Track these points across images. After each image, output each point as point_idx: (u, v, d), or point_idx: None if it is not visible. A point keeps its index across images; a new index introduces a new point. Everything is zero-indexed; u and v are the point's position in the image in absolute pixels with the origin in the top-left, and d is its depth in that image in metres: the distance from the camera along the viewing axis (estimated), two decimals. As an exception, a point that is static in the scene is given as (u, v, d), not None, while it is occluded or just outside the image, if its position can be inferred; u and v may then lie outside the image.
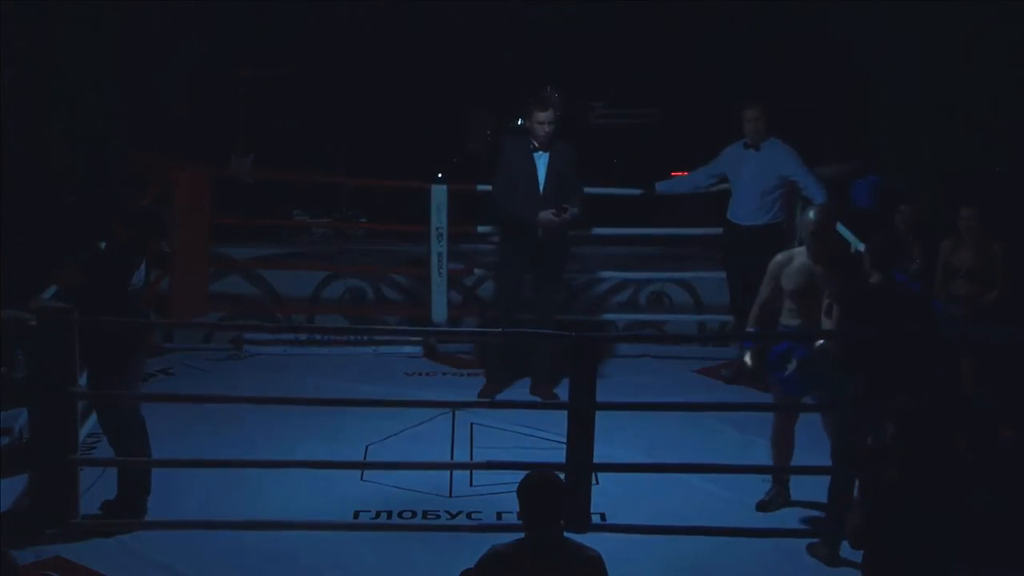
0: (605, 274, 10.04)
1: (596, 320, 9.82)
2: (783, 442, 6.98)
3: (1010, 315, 8.08)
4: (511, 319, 8.69)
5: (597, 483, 6.93)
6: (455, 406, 8.14)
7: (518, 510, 4.87)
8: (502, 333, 8.04)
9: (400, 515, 7.10)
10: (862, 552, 5.26)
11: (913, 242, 8.65)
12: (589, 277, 10.00)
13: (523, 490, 4.86)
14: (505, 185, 8.55)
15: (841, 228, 8.47)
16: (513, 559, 4.79)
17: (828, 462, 6.71)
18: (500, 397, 8.65)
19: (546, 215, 8.36)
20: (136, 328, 6.90)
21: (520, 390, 8.79)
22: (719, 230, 9.37)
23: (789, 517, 6.99)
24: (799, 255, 6.94)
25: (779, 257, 7.05)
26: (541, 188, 8.48)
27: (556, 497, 4.85)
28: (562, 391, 8.29)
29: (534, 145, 8.51)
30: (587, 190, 9.46)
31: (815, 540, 6.63)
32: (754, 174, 8.90)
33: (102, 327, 6.67)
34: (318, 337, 9.68)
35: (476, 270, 9.88)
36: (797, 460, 7.03)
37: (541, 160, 8.51)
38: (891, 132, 10.10)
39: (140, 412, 6.91)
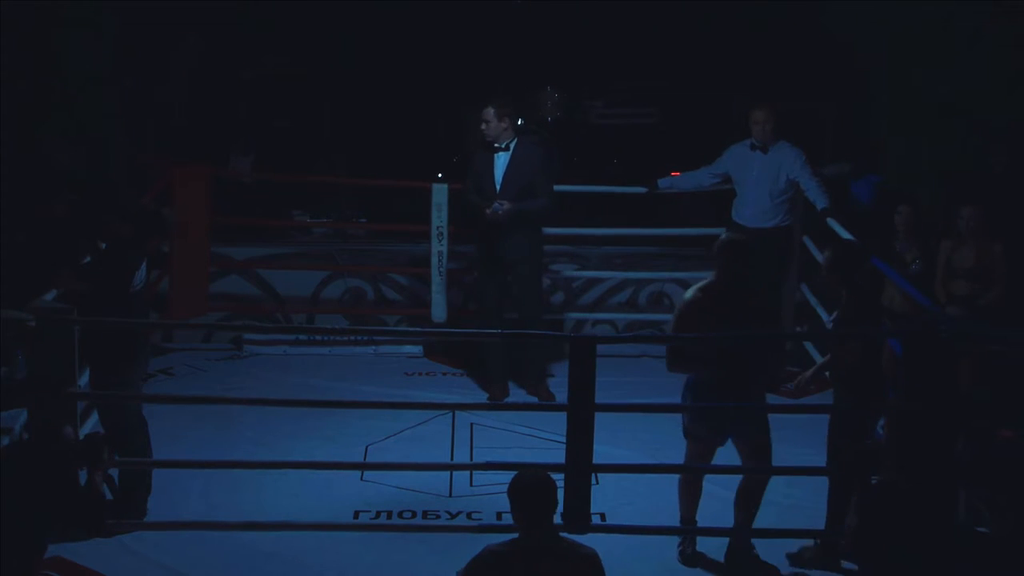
0: (605, 274, 10.04)
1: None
2: (693, 489, 6.66)
3: (1010, 315, 8.08)
4: (500, 317, 8.69)
5: (597, 483, 6.92)
6: (455, 408, 8.12)
7: (510, 510, 4.89)
8: (502, 334, 8.02)
9: (400, 515, 7.10)
10: (860, 553, 5.26)
11: (912, 242, 8.65)
12: (589, 277, 10.00)
13: (513, 491, 4.88)
14: (473, 185, 8.62)
15: (840, 229, 8.45)
16: (508, 558, 4.80)
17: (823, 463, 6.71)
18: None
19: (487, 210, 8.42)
20: (136, 328, 6.90)
21: (520, 390, 8.79)
22: (722, 230, 9.34)
23: (789, 517, 6.97)
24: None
25: (696, 295, 6.58)
26: (497, 186, 8.51)
27: (547, 496, 4.86)
28: (559, 387, 8.30)
29: (495, 145, 8.55)
30: (589, 189, 9.45)
31: (811, 543, 6.62)
32: (762, 176, 8.85)
33: (102, 327, 6.67)
34: (318, 337, 9.69)
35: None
36: (793, 459, 7.01)
37: (500, 160, 8.54)
38: (891, 132, 10.10)
39: (141, 413, 6.91)
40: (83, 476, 6.38)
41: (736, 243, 6.58)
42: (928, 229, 8.78)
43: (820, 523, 6.63)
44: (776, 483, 6.81)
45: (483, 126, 8.53)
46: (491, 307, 8.70)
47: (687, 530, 6.68)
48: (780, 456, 6.67)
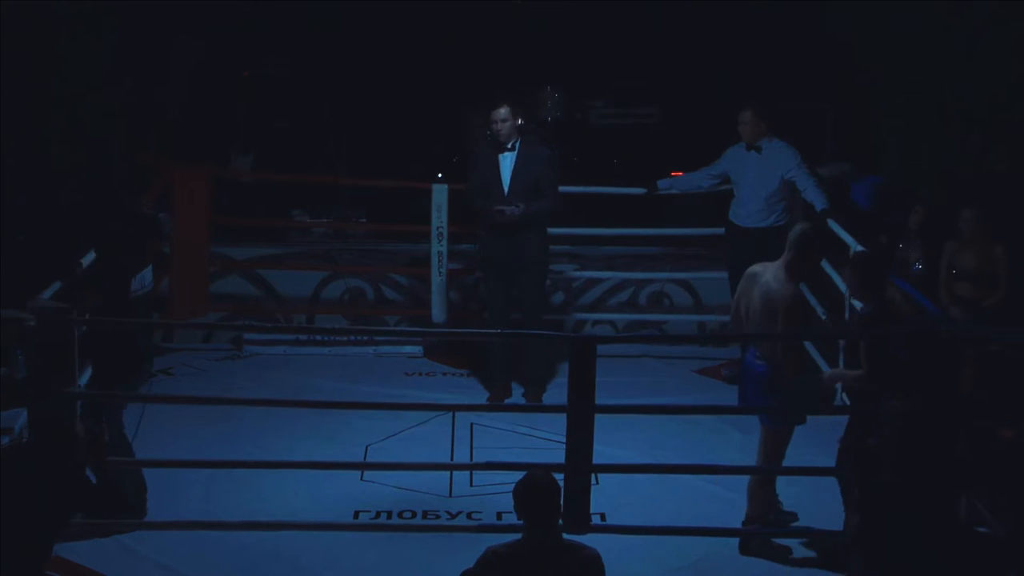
0: (605, 274, 10.04)
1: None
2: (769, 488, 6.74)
3: (1012, 317, 8.07)
4: (506, 319, 8.68)
5: (597, 483, 6.92)
6: (455, 409, 8.12)
7: (515, 510, 4.89)
8: (501, 334, 8.02)
9: (400, 515, 7.10)
10: (859, 552, 5.26)
11: (917, 244, 8.65)
12: (589, 277, 10.00)
13: (519, 492, 4.88)
14: (477, 186, 8.56)
15: (838, 229, 8.44)
16: (510, 559, 4.81)
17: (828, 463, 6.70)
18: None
19: (493, 212, 8.36)
20: (137, 331, 6.89)
21: (519, 390, 8.79)
22: (722, 230, 9.35)
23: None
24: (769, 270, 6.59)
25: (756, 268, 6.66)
26: (505, 188, 8.45)
27: (552, 499, 4.88)
28: (556, 393, 8.30)
29: (501, 146, 8.49)
30: (590, 190, 9.40)
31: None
32: (757, 176, 8.85)
33: (101, 327, 6.66)
34: (318, 337, 9.68)
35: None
36: (796, 459, 7.01)
37: (507, 160, 8.48)
38: (891, 132, 10.10)
39: (124, 431, 6.85)
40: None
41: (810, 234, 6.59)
42: (933, 231, 8.78)
43: (820, 523, 6.64)
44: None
45: (497, 126, 8.44)
46: (500, 310, 8.67)
47: (686, 529, 6.69)
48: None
